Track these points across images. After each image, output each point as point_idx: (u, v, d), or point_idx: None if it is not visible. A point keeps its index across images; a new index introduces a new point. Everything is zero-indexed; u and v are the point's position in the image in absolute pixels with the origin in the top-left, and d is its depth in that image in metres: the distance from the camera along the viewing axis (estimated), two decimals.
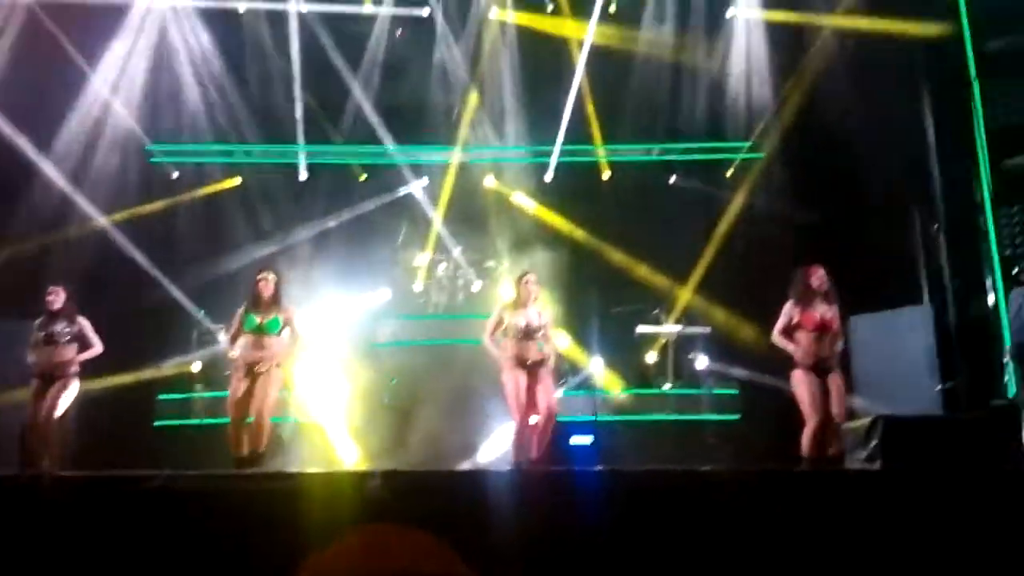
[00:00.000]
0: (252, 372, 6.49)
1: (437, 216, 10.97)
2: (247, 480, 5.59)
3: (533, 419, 6.64)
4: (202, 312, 9.82)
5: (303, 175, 11.11)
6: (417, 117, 11.00)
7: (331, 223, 10.84)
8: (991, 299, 8.31)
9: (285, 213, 10.72)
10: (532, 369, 6.60)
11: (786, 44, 10.37)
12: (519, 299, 6.73)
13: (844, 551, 4.63)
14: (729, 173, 10.78)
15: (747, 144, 10.55)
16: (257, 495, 4.82)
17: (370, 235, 10.81)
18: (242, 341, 6.59)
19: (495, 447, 8.63)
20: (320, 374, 9.15)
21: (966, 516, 4.63)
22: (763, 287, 8.90)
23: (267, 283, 6.63)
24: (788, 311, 6.44)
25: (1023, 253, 7.93)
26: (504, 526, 4.79)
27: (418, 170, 11.24)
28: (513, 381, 6.57)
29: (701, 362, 9.35)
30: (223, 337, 7.98)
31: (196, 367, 9.45)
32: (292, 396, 8.78)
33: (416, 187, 11.20)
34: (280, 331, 6.63)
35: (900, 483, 4.80)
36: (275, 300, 6.64)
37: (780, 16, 10.46)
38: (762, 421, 8.52)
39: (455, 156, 11.09)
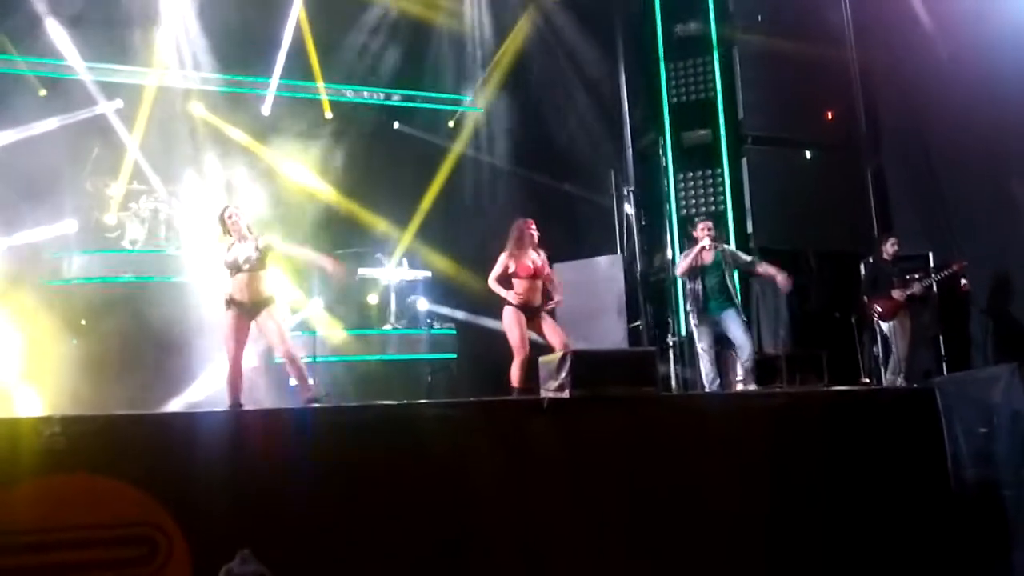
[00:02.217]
0: None
1: (134, 142, 9.93)
2: None
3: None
4: None
5: None
6: (108, 32, 9.82)
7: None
8: (669, 253, 9.65)
9: None
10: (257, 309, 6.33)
11: (504, 5, 10.89)
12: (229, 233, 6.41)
13: (540, 470, 5.29)
14: (451, 123, 11.14)
15: (467, 98, 10.95)
16: None
17: (52, 158, 9.44)
18: None
19: (203, 388, 8.20)
20: None
21: (634, 433, 5.51)
22: (478, 234, 9.49)
23: None
24: (503, 260, 6.91)
25: (696, 214, 9.27)
26: (208, 469, 4.71)
27: (112, 89, 10.04)
28: (232, 321, 6.24)
29: (421, 304, 9.66)
30: None
31: None
32: None
33: (108, 108, 10.02)
34: None
35: (585, 408, 5.50)
36: None
37: None
38: (477, 358, 9.07)
39: (154, 78, 10.08)
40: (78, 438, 4.60)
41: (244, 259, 6.26)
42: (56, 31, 9.51)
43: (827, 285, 8.99)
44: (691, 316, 7.28)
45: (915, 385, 7.07)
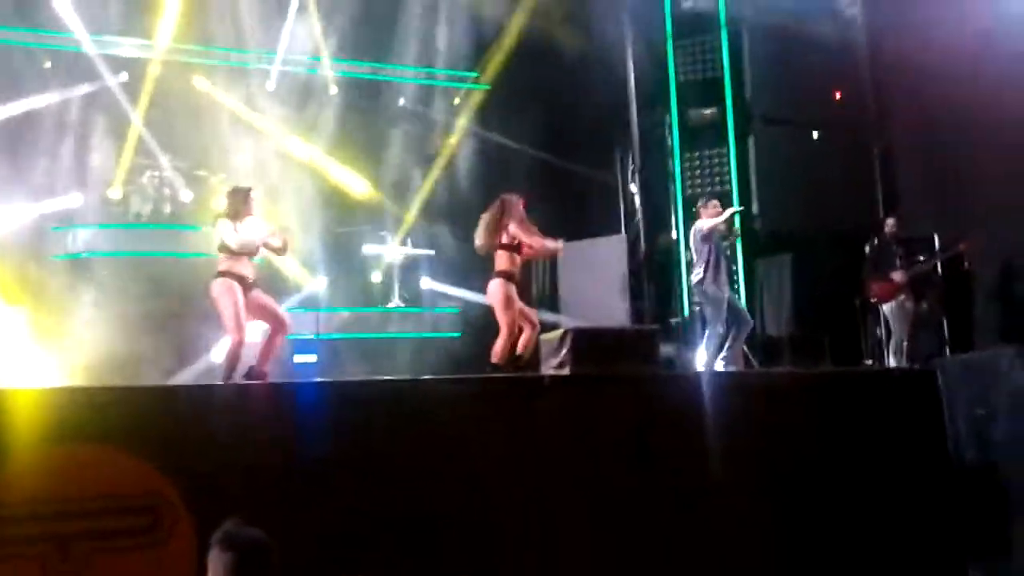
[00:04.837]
0: None
1: (138, 117, 9.90)
2: None
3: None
4: None
5: None
6: (114, 4, 9.74)
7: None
8: (674, 233, 9.63)
9: None
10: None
11: None
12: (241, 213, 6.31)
13: (542, 446, 5.32)
14: (456, 100, 11.08)
15: (473, 75, 10.89)
16: None
17: (56, 132, 9.43)
18: None
19: (205, 363, 8.26)
20: None
21: (634, 411, 5.53)
22: (482, 211, 9.43)
23: None
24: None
25: (702, 193, 9.22)
26: (213, 441, 4.75)
27: (116, 63, 9.99)
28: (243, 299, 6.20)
29: (425, 283, 9.66)
30: None
31: None
32: None
33: (113, 82, 9.97)
34: None
35: (585, 385, 5.54)
36: None
37: None
38: (481, 337, 9.05)
39: (158, 52, 10.02)
40: (87, 409, 4.66)
41: (262, 242, 6.20)
42: (60, 2, 9.43)
43: (834, 267, 8.96)
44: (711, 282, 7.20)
45: (916, 367, 7.07)
